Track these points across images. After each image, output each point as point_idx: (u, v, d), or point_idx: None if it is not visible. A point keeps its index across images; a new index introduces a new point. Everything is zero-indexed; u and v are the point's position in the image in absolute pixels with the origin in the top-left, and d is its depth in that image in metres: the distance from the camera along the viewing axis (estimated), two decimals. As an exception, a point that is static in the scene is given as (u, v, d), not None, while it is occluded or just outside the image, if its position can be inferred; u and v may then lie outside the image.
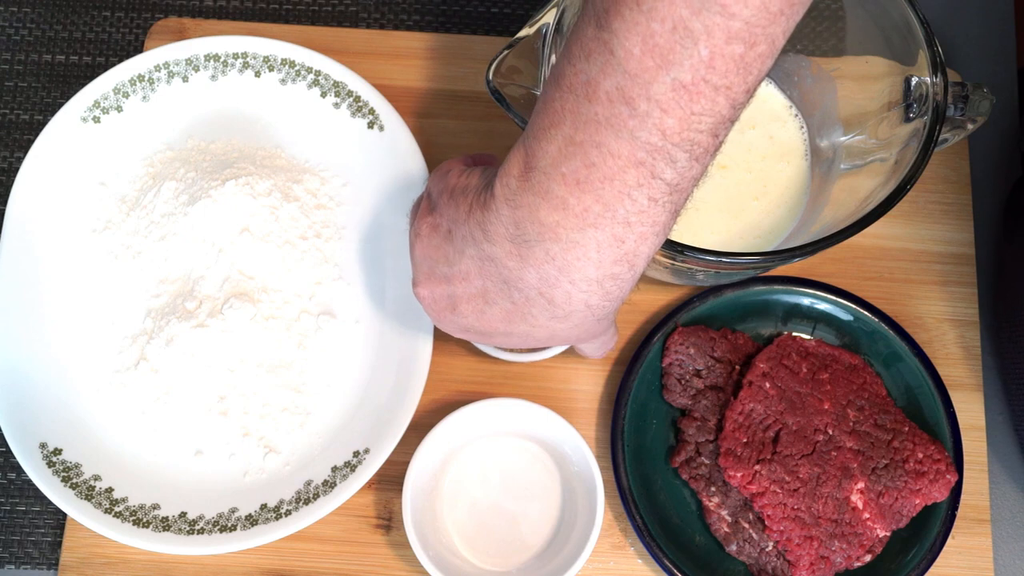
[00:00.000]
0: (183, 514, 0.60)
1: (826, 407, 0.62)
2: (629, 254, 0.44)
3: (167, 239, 0.64)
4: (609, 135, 0.41)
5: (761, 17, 0.38)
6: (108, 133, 0.67)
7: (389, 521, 0.64)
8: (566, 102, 0.43)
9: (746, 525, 0.61)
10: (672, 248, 0.53)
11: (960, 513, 0.62)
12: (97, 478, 0.61)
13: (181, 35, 0.71)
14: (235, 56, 0.68)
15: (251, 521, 0.60)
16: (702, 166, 0.43)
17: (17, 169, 0.65)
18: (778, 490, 0.60)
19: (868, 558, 0.61)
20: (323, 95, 0.68)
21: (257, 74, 0.68)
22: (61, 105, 0.67)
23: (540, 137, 0.44)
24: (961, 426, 0.64)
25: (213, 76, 0.68)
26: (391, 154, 0.67)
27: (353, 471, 0.61)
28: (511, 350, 0.64)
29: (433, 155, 0.68)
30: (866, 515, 0.61)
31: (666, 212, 0.43)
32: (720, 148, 0.44)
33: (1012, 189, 0.70)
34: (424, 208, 0.53)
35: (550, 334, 0.49)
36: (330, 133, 0.68)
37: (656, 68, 0.39)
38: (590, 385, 0.66)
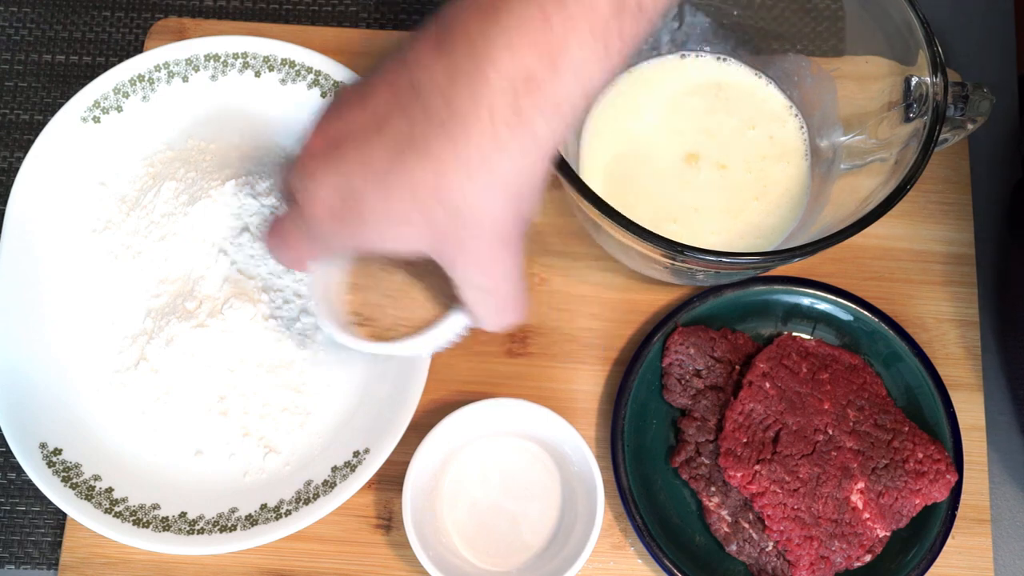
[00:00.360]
0: (183, 514, 0.60)
1: (826, 407, 0.62)
2: (553, 46, 0.38)
3: (167, 239, 0.64)
4: None
5: None
6: (108, 133, 0.67)
7: (389, 521, 0.64)
8: None
9: (746, 525, 0.61)
10: (672, 248, 0.53)
11: (960, 513, 0.62)
12: (97, 478, 0.61)
13: (181, 35, 0.71)
14: (235, 56, 0.68)
15: (251, 521, 0.60)
16: None
17: (17, 169, 0.65)
18: (778, 490, 0.60)
19: (868, 558, 0.61)
20: (323, 95, 0.68)
21: (257, 74, 0.68)
22: (61, 105, 0.67)
23: None
24: (961, 426, 0.64)
25: (213, 76, 0.68)
26: (391, 154, 0.67)
27: (353, 471, 0.61)
28: (385, 338, 0.54)
29: (433, 155, 0.68)
30: (866, 515, 0.61)
31: (608, 5, 0.38)
32: None
33: (1013, 190, 0.70)
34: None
35: (437, 189, 0.41)
36: (330, 133, 0.68)
37: None
38: (590, 385, 0.66)
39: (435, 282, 0.53)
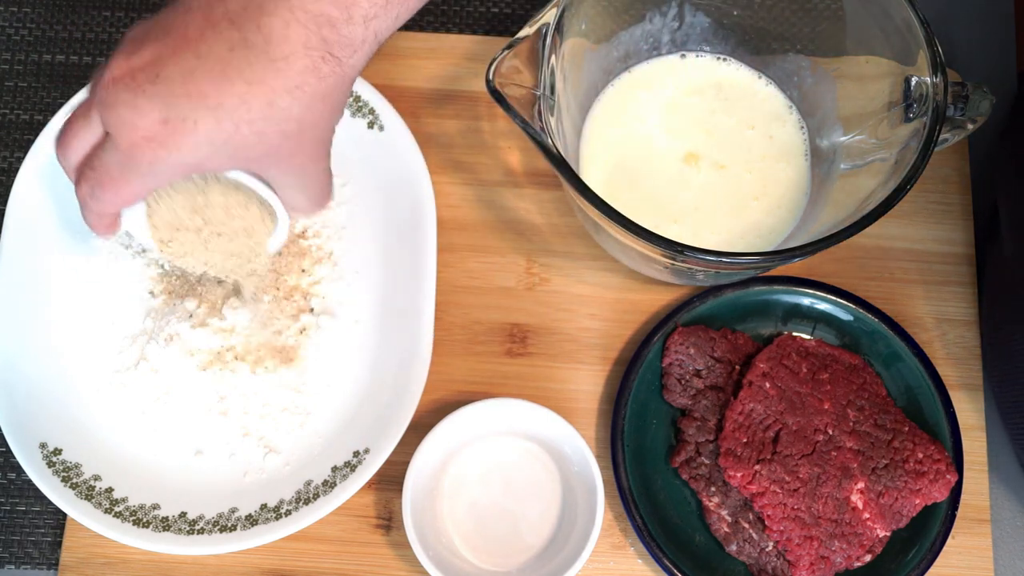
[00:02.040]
0: (183, 514, 0.60)
1: (826, 407, 0.62)
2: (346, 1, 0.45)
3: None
4: None
5: None
6: (108, 133, 0.67)
7: (389, 521, 0.64)
8: None
9: (746, 525, 0.61)
10: (672, 248, 0.53)
11: (960, 513, 0.62)
12: (97, 478, 0.61)
13: (181, 35, 0.71)
14: (235, 56, 0.68)
15: (251, 521, 0.60)
16: None
17: (17, 169, 0.65)
18: (778, 490, 0.60)
19: (868, 558, 0.61)
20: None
21: (257, 74, 0.68)
22: (61, 105, 0.67)
23: None
24: (961, 426, 0.64)
25: (213, 76, 0.68)
26: (391, 154, 0.67)
27: (353, 471, 0.61)
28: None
29: (433, 155, 0.68)
30: (866, 515, 0.61)
31: None
32: None
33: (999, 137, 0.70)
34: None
35: (269, 110, 0.45)
36: (330, 133, 0.68)
37: None
38: (590, 385, 0.66)
39: (245, 192, 0.55)
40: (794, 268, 0.67)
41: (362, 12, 0.46)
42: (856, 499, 0.61)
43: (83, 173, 0.50)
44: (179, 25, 0.46)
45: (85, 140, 0.49)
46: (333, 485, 0.60)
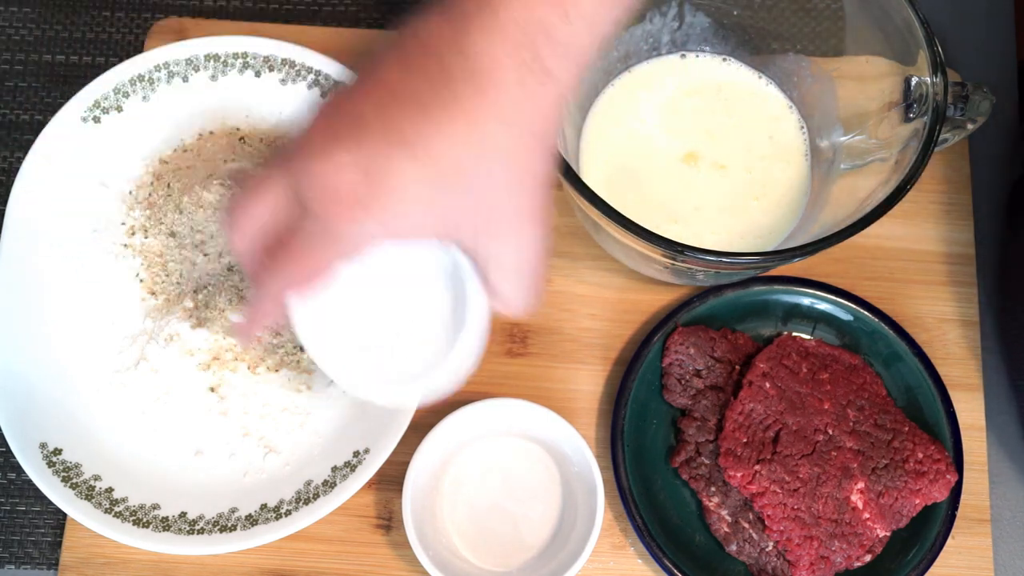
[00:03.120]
0: (183, 514, 0.60)
1: (826, 407, 0.62)
2: None
3: (167, 239, 0.64)
4: None
5: None
6: (108, 133, 0.67)
7: (389, 521, 0.64)
8: None
9: (746, 525, 0.61)
10: (672, 248, 0.53)
11: (960, 513, 0.62)
12: (97, 478, 0.61)
13: (181, 35, 0.71)
14: (235, 56, 0.68)
15: (251, 521, 0.60)
16: None
17: (17, 169, 0.65)
18: (778, 490, 0.60)
19: (868, 558, 0.61)
20: (323, 95, 0.68)
21: (257, 74, 0.68)
22: (61, 105, 0.67)
23: None
24: (961, 426, 0.64)
25: (213, 76, 0.68)
26: (391, 154, 0.67)
27: (353, 471, 0.61)
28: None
29: (433, 155, 0.68)
30: (866, 515, 0.61)
31: None
32: None
33: (1013, 187, 0.70)
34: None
35: (472, 141, 0.38)
36: (330, 133, 0.68)
37: None
38: (590, 385, 0.66)
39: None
40: (794, 268, 0.67)
41: (582, 11, 0.38)
42: (856, 499, 0.61)
43: (267, 250, 0.43)
44: (375, 69, 0.40)
45: (267, 212, 0.42)
46: (333, 485, 0.60)
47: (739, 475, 0.60)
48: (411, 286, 0.49)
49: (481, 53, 0.38)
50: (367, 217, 0.39)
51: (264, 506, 0.60)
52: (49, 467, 0.60)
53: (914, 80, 0.57)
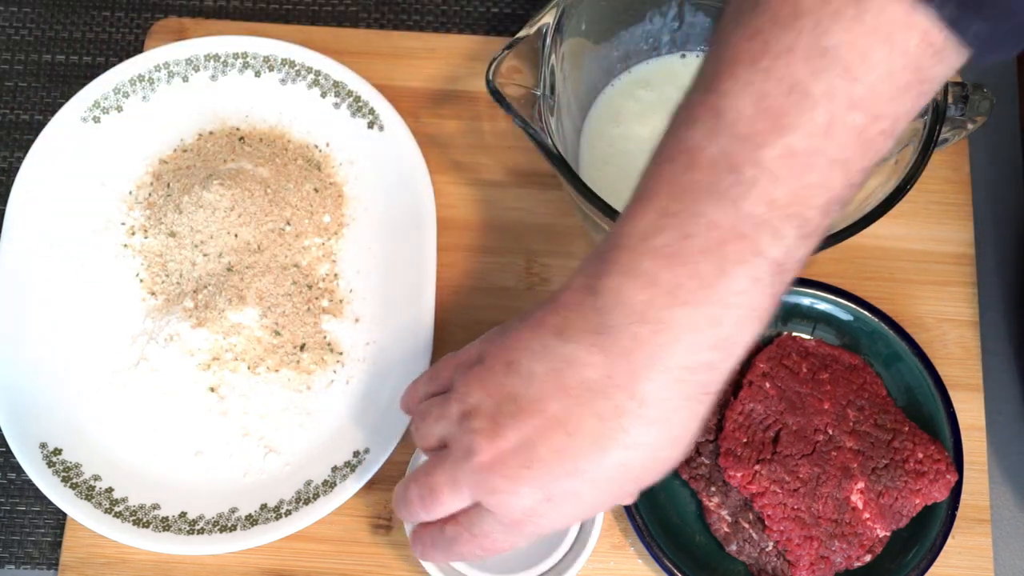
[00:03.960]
0: (183, 514, 0.60)
1: (826, 407, 0.62)
2: (726, 340, 0.40)
3: (167, 239, 0.64)
4: (709, 203, 0.38)
5: (885, 87, 0.35)
6: (108, 133, 0.67)
7: (389, 521, 0.64)
8: (662, 174, 0.40)
9: (746, 525, 0.61)
10: (672, 248, 0.53)
11: (960, 513, 0.62)
12: (97, 478, 0.61)
13: (181, 35, 0.71)
14: (235, 56, 0.68)
15: (251, 521, 0.60)
16: (808, 248, 0.39)
17: (17, 169, 0.65)
18: (778, 490, 0.60)
19: (868, 558, 0.61)
20: (323, 95, 0.68)
21: (257, 74, 0.68)
22: (61, 105, 0.67)
23: (628, 215, 0.40)
24: (961, 426, 0.64)
25: (213, 76, 0.68)
26: (391, 154, 0.67)
27: (353, 471, 0.61)
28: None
29: (433, 155, 0.68)
30: (866, 515, 0.61)
31: (768, 297, 0.40)
32: (826, 233, 0.39)
33: None
34: (454, 388, 0.46)
35: (649, 459, 0.43)
36: (330, 133, 0.68)
37: (768, 132, 0.36)
38: (590, 385, 0.66)
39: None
40: (794, 268, 0.67)
41: (742, 346, 0.41)
42: (856, 499, 0.61)
43: (453, 529, 0.48)
44: (532, 398, 0.43)
45: (453, 507, 0.47)
46: (333, 485, 0.60)
47: (739, 475, 0.60)
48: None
49: (652, 395, 0.41)
50: (549, 524, 0.45)
51: (264, 506, 0.60)
52: (49, 467, 0.60)
53: (914, 80, 0.57)
